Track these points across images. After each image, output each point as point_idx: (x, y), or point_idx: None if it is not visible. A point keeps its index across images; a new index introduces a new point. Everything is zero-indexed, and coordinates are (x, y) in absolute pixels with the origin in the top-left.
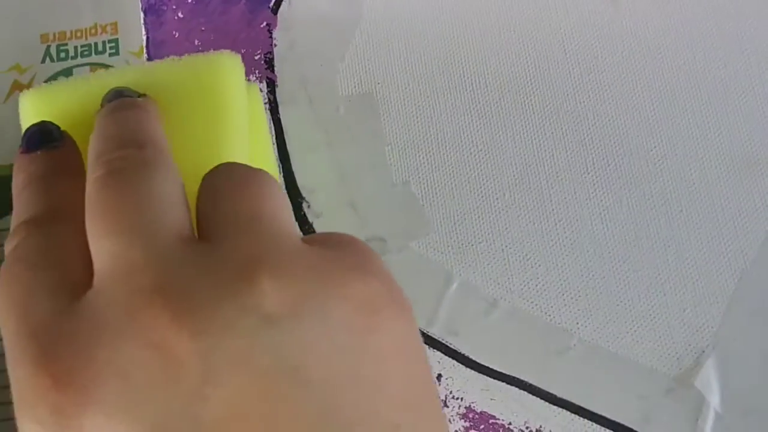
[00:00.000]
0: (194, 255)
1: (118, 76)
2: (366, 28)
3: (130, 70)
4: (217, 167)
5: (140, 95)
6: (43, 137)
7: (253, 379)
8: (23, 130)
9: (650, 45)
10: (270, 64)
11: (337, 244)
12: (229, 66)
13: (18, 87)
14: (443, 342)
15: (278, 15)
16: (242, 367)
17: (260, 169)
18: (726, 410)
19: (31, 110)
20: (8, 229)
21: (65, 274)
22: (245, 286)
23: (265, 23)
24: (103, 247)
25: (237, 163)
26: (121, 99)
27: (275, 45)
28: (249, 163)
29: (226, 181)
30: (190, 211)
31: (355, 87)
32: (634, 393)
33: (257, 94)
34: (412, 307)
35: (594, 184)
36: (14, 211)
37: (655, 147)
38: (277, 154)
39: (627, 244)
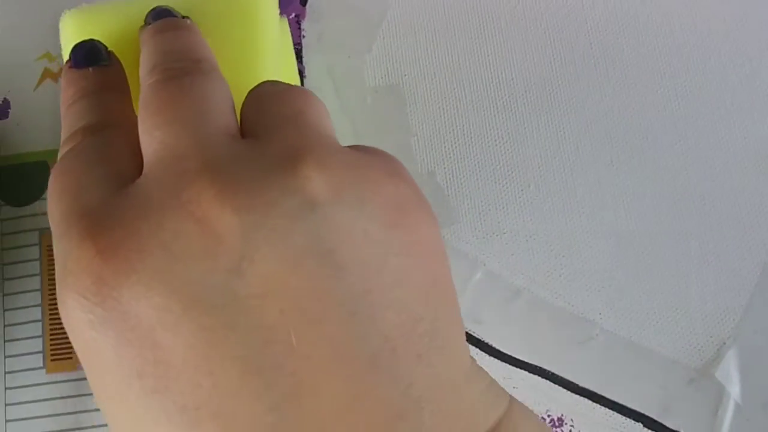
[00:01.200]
0: (242, 146)
1: (157, 0)
2: (393, 19)
3: None
4: (261, 83)
5: (183, 17)
6: (93, 55)
7: (289, 258)
8: (64, 50)
9: (675, 39)
10: (298, 54)
11: (373, 151)
12: None
13: (49, 75)
14: (467, 330)
15: (307, 7)
16: (280, 246)
17: (303, 88)
18: (746, 402)
19: (74, 30)
20: (38, 214)
21: (116, 167)
22: (290, 170)
23: (294, 14)
24: (154, 137)
25: (280, 81)
26: (170, 18)
27: (304, 36)
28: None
29: (271, 89)
30: (236, 117)
31: (382, 78)
32: (655, 383)
33: (287, 27)
34: (435, 217)
35: (618, 176)
36: (64, 123)
37: (679, 140)
38: None
39: (650, 236)
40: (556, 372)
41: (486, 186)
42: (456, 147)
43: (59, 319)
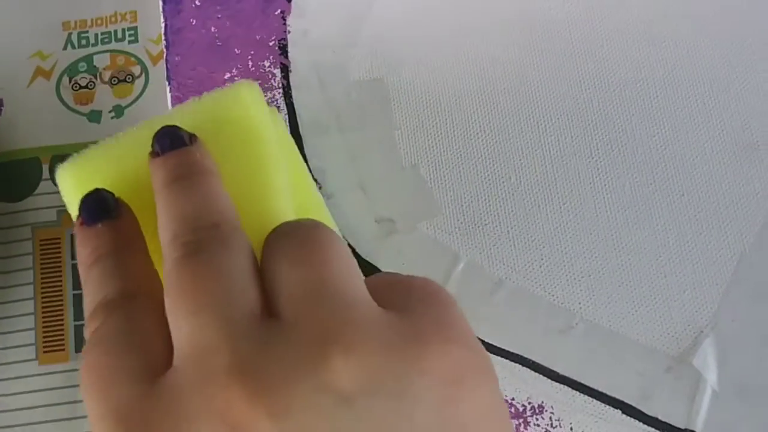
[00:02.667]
0: (267, 334)
1: (148, 127)
2: (378, 15)
3: (156, 119)
4: (277, 229)
5: (190, 135)
6: (101, 208)
7: None
8: (67, 205)
9: (653, 33)
10: (284, 49)
11: (414, 302)
12: (250, 93)
13: (41, 73)
14: None
15: (292, 2)
16: None
17: (321, 224)
18: (723, 388)
19: (73, 185)
20: (31, 209)
21: (146, 356)
22: (319, 364)
23: (279, 10)
24: (180, 327)
25: (298, 222)
26: (180, 169)
27: (289, 32)
28: (292, 189)
29: (290, 247)
30: (259, 285)
31: (366, 72)
32: (634, 371)
33: (278, 117)
34: (493, 366)
35: (598, 169)
36: (86, 291)
37: (657, 133)
38: (290, 132)
39: (629, 226)
40: (537, 360)
41: (468, 178)
42: (439, 140)
43: (51, 311)
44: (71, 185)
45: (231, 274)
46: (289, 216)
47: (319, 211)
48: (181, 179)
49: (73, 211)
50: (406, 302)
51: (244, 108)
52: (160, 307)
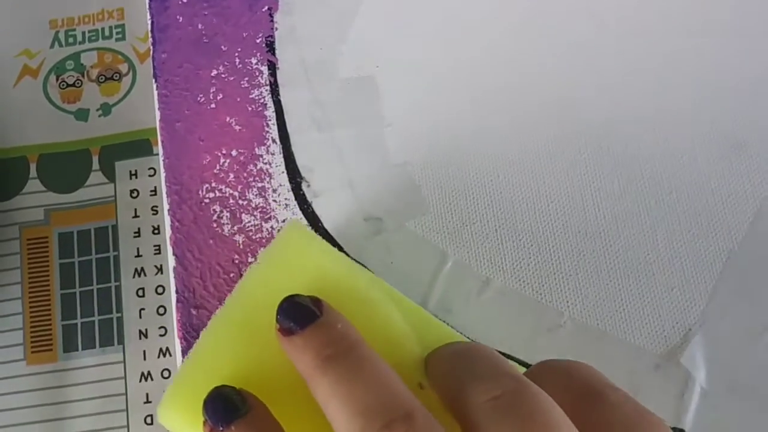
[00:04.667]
0: None
1: (230, 319)
2: (366, 11)
3: (233, 303)
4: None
5: (313, 299)
6: (228, 409)
7: None
8: None
9: (641, 30)
10: (271, 47)
11: None
12: (301, 230)
13: (28, 72)
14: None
15: None
16: None
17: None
18: (711, 386)
19: (182, 417)
20: (18, 208)
21: None
22: None
23: (266, 7)
24: None
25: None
26: (330, 347)
27: (276, 28)
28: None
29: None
30: None
31: (354, 69)
32: (623, 369)
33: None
34: None
35: (586, 167)
36: None
37: (646, 130)
38: (278, 134)
39: (617, 224)
40: (525, 359)
41: (456, 177)
42: (427, 138)
43: (39, 311)
44: (181, 418)
45: None
46: (419, 349)
47: (438, 329)
48: (336, 360)
49: None
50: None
51: (306, 240)
52: None
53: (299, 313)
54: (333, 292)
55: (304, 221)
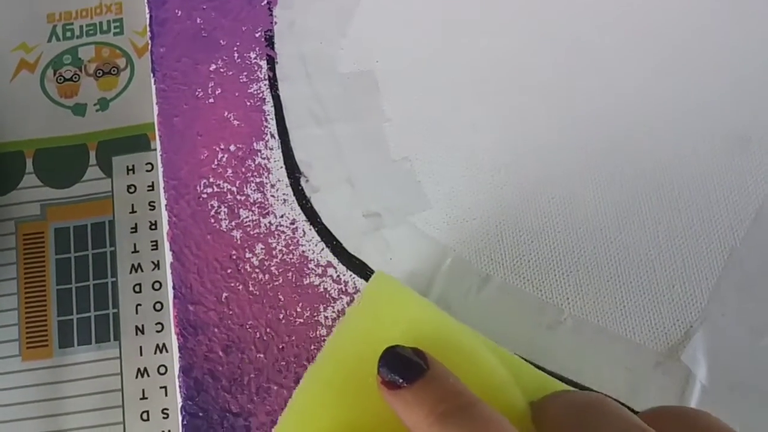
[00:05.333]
0: None
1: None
2: (366, 6)
3: (326, 358)
4: (551, 398)
5: (415, 351)
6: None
7: None
8: None
9: (643, 24)
10: (270, 41)
11: None
12: (389, 280)
13: (25, 66)
14: None
15: None
16: None
17: (594, 395)
18: (712, 384)
19: None
20: (14, 204)
21: None
22: None
23: (265, 1)
24: None
25: (575, 392)
26: (444, 403)
27: (276, 23)
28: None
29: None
30: None
31: (354, 64)
32: (623, 366)
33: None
34: None
35: (587, 163)
36: None
37: (647, 126)
38: (276, 128)
39: (618, 220)
40: (525, 356)
41: (457, 172)
42: (428, 133)
43: (35, 307)
44: None
45: None
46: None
47: (537, 377)
48: (454, 416)
49: None
50: None
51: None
52: None
53: (404, 366)
54: (430, 341)
55: (305, 218)
